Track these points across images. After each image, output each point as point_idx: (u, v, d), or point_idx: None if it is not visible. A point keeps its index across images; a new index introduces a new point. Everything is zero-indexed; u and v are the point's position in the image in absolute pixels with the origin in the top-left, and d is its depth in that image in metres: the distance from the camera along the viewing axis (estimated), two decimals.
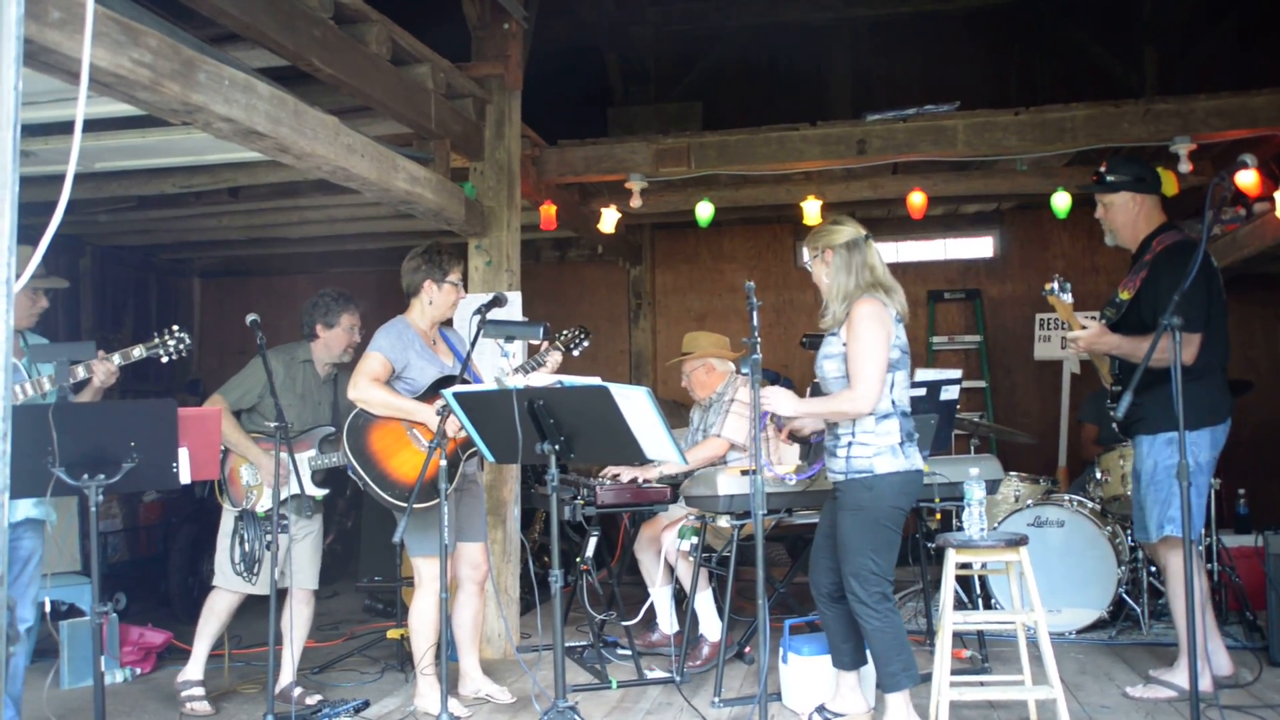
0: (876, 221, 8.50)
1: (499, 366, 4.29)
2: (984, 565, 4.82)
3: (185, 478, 3.68)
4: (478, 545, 4.48)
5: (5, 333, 1.87)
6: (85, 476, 3.30)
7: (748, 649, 5.08)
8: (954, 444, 5.85)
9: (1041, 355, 8.20)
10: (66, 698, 4.86)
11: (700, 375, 5.35)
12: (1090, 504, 5.54)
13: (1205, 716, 3.60)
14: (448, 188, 5.11)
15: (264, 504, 4.56)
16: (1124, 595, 5.42)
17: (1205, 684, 3.88)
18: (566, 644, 4.11)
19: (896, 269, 3.84)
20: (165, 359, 4.14)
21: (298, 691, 4.58)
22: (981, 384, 8.65)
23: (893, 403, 3.64)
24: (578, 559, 4.90)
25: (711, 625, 4.98)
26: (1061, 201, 6.95)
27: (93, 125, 4.38)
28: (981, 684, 4.28)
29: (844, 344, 3.66)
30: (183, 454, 3.58)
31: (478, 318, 4.16)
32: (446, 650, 3.91)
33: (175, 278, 9.51)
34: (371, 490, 4.14)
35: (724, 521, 4.52)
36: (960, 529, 3.99)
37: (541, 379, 3.85)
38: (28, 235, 2.21)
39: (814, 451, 4.23)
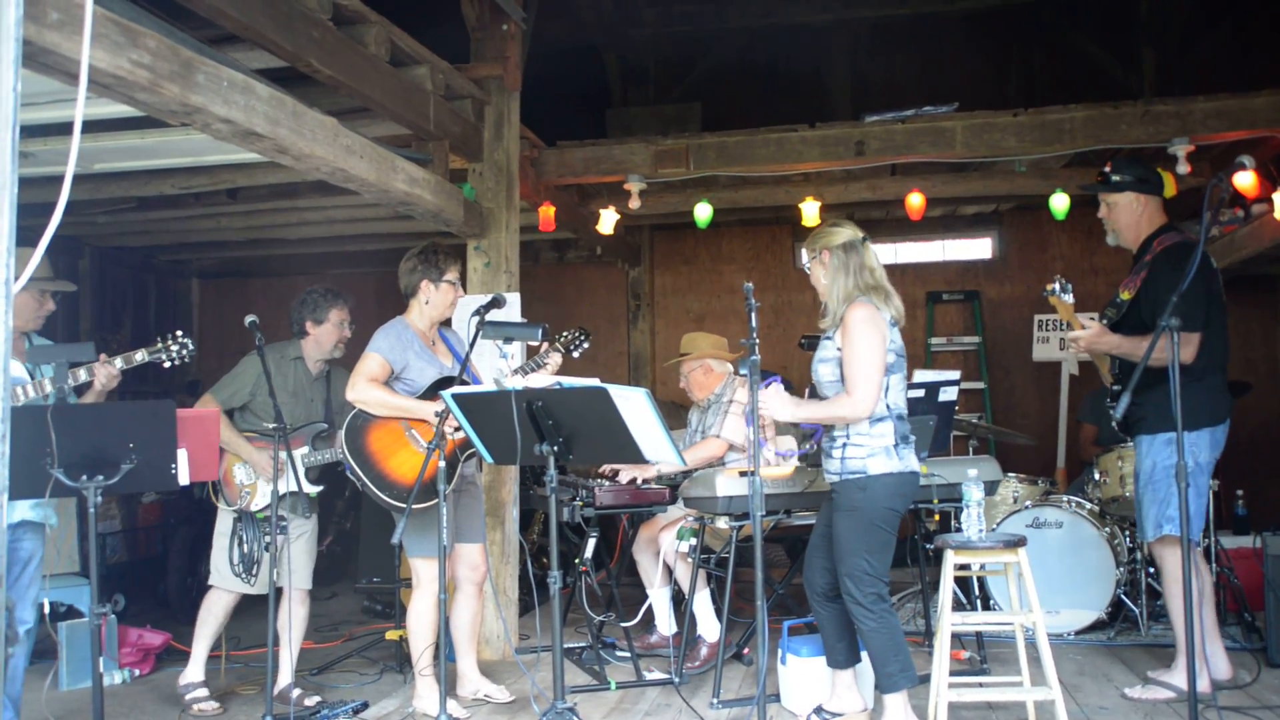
0: (875, 223, 8.52)
1: (498, 367, 4.29)
2: (982, 566, 4.81)
3: (184, 479, 3.68)
4: (476, 546, 4.48)
5: (4, 333, 1.87)
6: (84, 478, 3.31)
7: (746, 650, 5.08)
8: (952, 445, 5.85)
9: (1040, 356, 8.21)
10: (65, 699, 4.86)
11: (699, 376, 5.36)
12: (1089, 505, 5.54)
13: (1203, 717, 3.60)
14: (446, 189, 5.12)
15: (259, 503, 4.56)
16: (1122, 596, 5.43)
17: (1203, 684, 3.88)
18: (565, 645, 4.11)
19: (895, 270, 3.85)
20: (168, 364, 4.14)
21: (296, 693, 4.58)
22: (980, 385, 8.65)
23: (887, 406, 3.65)
24: (576, 560, 4.90)
25: (710, 626, 4.98)
26: (1060, 203, 6.95)
27: (92, 126, 4.38)
28: (980, 685, 4.28)
29: (838, 348, 3.67)
30: (181, 455, 3.58)
31: (476, 319, 4.16)
32: (445, 651, 3.91)
33: (174, 279, 9.51)
34: (369, 491, 4.14)
35: (722, 523, 4.52)
36: (959, 530, 4.00)
37: (540, 380, 3.85)
38: (27, 236, 2.21)
39: (803, 438, 4.23)
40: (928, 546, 4.98)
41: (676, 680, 4.57)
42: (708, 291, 9.41)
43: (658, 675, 4.74)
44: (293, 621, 4.64)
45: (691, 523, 4.75)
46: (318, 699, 4.58)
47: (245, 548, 4.56)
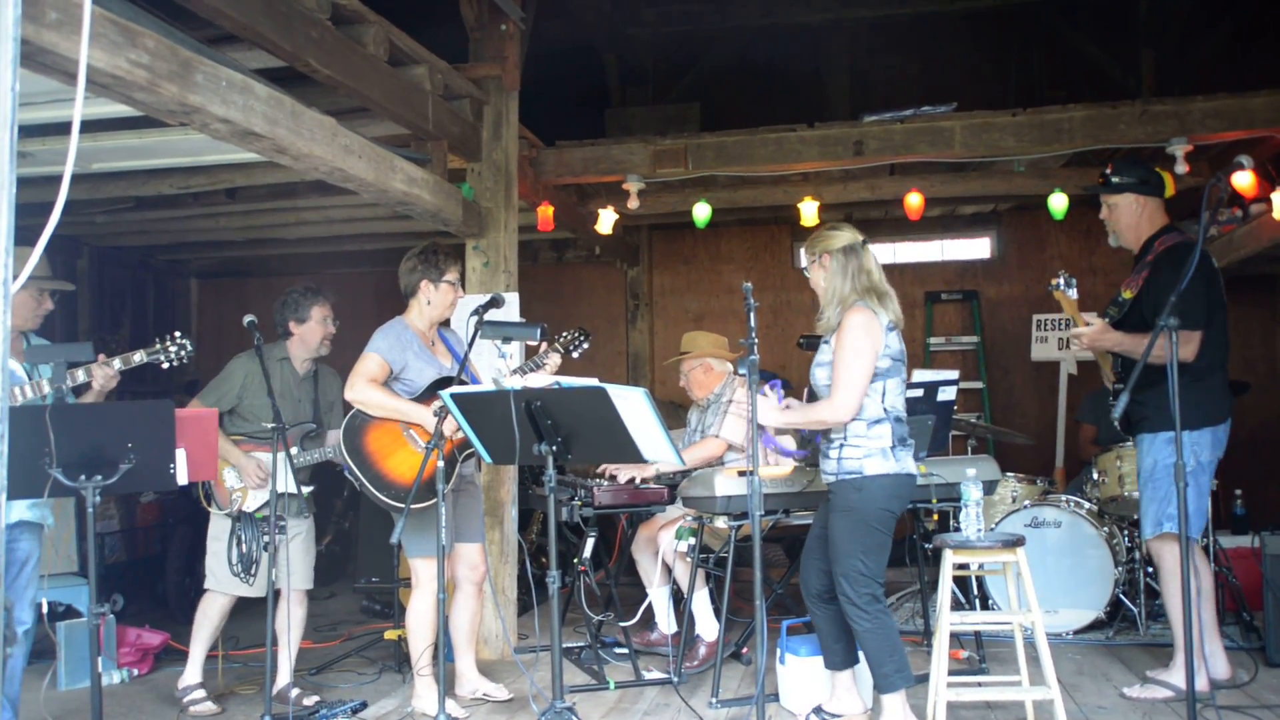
0: (874, 222, 8.52)
1: (496, 367, 4.29)
2: (981, 566, 4.81)
3: (183, 479, 3.68)
4: (475, 546, 4.48)
5: (3, 333, 1.87)
6: (82, 477, 3.30)
7: (745, 650, 5.09)
8: (951, 445, 5.85)
9: (1039, 356, 8.21)
10: (64, 699, 4.86)
11: (698, 375, 5.36)
12: (1087, 504, 5.54)
13: (1202, 717, 3.61)
14: (445, 189, 5.11)
15: (250, 505, 4.55)
16: (1121, 596, 5.43)
17: (1201, 683, 3.89)
18: (564, 645, 4.11)
19: (894, 270, 3.86)
20: (166, 365, 4.14)
21: (295, 692, 4.58)
22: (979, 385, 8.66)
23: (885, 409, 3.65)
24: (575, 560, 4.90)
25: (709, 626, 4.98)
26: (1059, 202, 6.95)
27: (90, 126, 4.38)
28: (979, 684, 4.28)
29: (834, 352, 3.68)
30: (180, 455, 3.58)
31: (475, 318, 4.16)
32: (444, 651, 3.91)
33: (173, 278, 9.51)
34: (368, 491, 4.14)
35: (721, 522, 4.52)
36: (957, 530, 4.00)
37: (539, 380, 3.85)
38: (25, 236, 2.21)
39: (802, 440, 4.24)
40: (926, 546, 4.98)
41: (675, 680, 4.57)
42: (706, 291, 9.41)
43: (656, 675, 4.74)
44: (291, 622, 4.64)
45: (690, 522, 4.75)
46: (316, 699, 4.58)
47: (244, 548, 4.56)
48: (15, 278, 1.93)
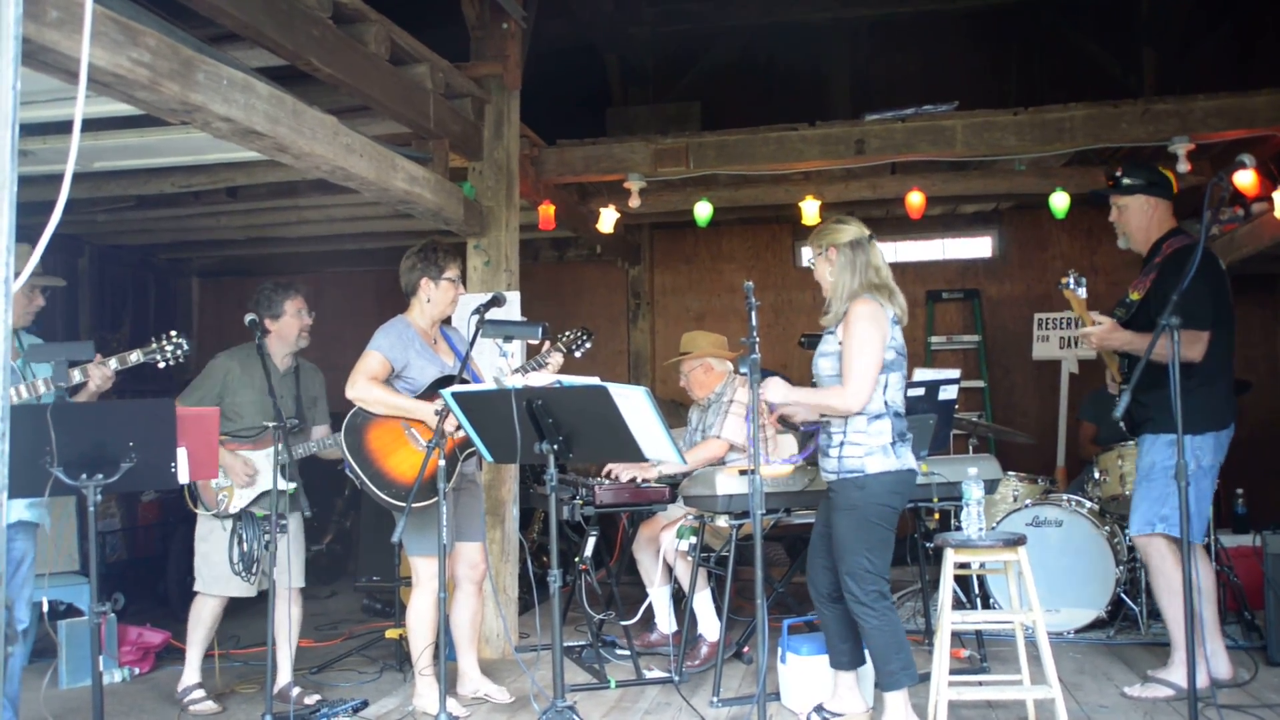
0: (875, 221, 8.45)
1: (498, 366, 4.29)
2: (982, 565, 4.81)
3: (184, 477, 3.68)
4: (476, 545, 4.48)
5: (4, 331, 1.87)
6: (83, 476, 3.30)
7: (746, 649, 5.09)
8: (952, 444, 5.85)
9: (1040, 355, 8.21)
10: (65, 697, 4.86)
11: (699, 375, 5.35)
12: (1088, 504, 5.54)
13: (1203, 716, 3.60)
14: (446, 187, 5.11)
15: (237, 505, 4.54)
16: (1122, 595, 5.43)
17: (1201, 681, 3.89)
18: (565, 644, 4.11)
19: (895, 269, 3.85)
20: (162, 364, 4.13)
21: (296, 691, 4.58)
22: (980, 384, 8.65)
23: (885, 403, 3.65)
24: (576, 559, 4.90)
25: (710, 625, 4.98)
26: (1060, 201, 6.95)
27: (91, 125, 4.38)
28: (980, 683, 4.28)
29: (839, 343, 3.68)
30: (181, 454, 3.58)
31: (476, 317, 4.16)
32: (445, 650, 3.91)
33: (174, 277, 9.51)
34: (368, 489, 4.14)
35: (722, 521, 4.52)
36: (959, 529, 4.00)
37: (540, 379, 3.85)
38: (26, 234, 2.21)
39: (804, 439, 4.23)
40: (928, 545, 4.98)
41: (676, 679, 4.57)
42: (707, 290, 9.41)
43: (657, 674, 4.74)
44: (290, 619, 4.63)
45: (691, 521, 4.75)
46: (317, 698, 4.58)
47: (245, 547, 4.55)
48: (16, 276, 1.93)
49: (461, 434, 3.98)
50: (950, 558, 3.84)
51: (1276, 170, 6.13)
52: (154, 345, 4.10)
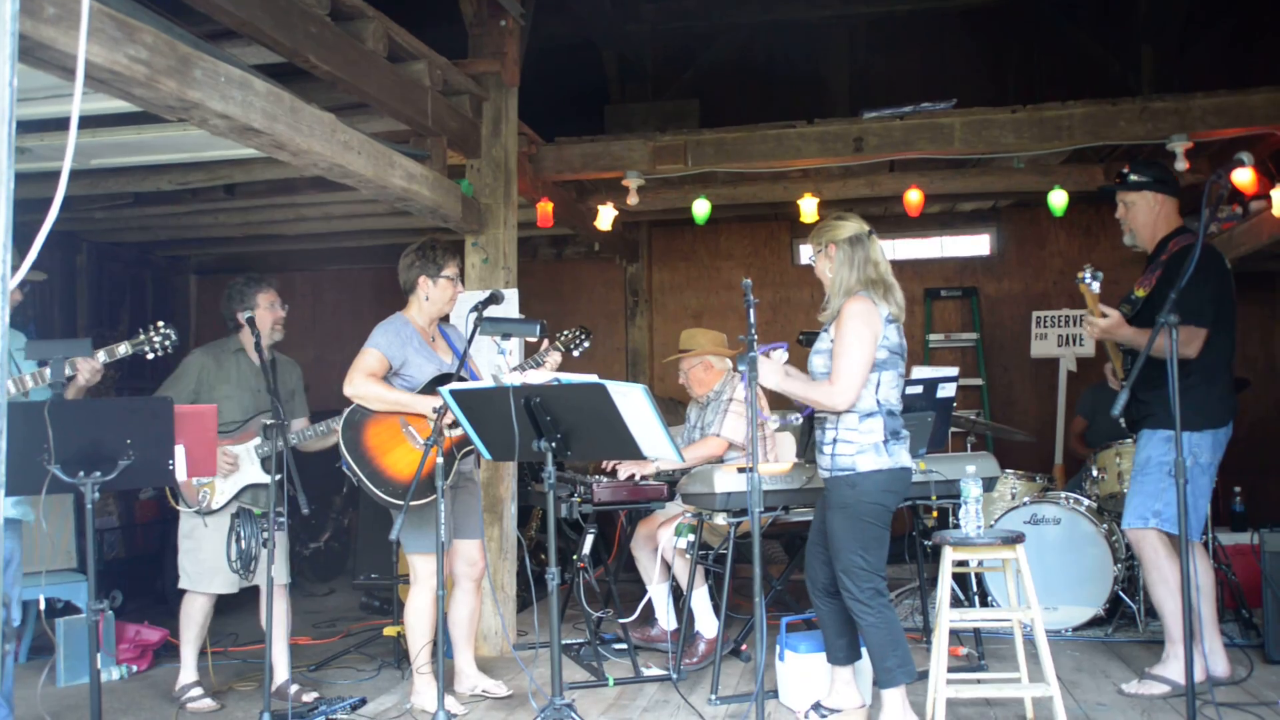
0: (873, 219, 8.35)
1: (496, 364, 4.29)
2: (980, 563, 4.83)
3: (182, 475, 3.68)
4: (474, 542, 4.48)
5: (2, 329, 1.87)
6: (81, 474, 3.30)
7: (744, 646, 5.09)
8: (950, 442, 5.85)
9: (1038, 353, 8.21)
10: (63, 695, 4.86)
11: (698, 373, 5.35)
12: (1086, 501, 5.55)
13: (1201, 713, 3.61)
14: (444, 185, 5.11)
15: (219, 501, 4.53)
16: (1120, 593, 5.43)
17: (1199, 678, 3.89)
18: (563, 641, 4.11)
19: (893, 267, 3.85)
20: (151, 355, 4.12)
21: (294, 689, 4.58)
22: (978, 382, 8.65)
23: (878, 402, 3.65)
24: (574, 556, 4.90)
25: (708, 623, 4.98)
26: (1058, 199, 6.94)
27: (89, 122, 4.38)
28: (978, 681, 4.28)
29: (833, 340, 3.68)
30: (179, 451, 3.58)
31: (474, 315, 4.16)
32: (443, 648, 3.91)
33: (171, 275, 9.49)
34: (365, 487, 4.14)
35: (721, 519, 4.52)
36: (957, 526, 4.00)
37: (538, 376, 3.84)
38: (24, 232, 2.20)
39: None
40: (926, 543, 4.98)
41: (674, 676, 4.57)
42: (706, 288, 9.41)
43: (656, 671, 4.74)
44: (278, 616, 4.63)
45: (690, 519, 4.75)
46: (315, 695, 4.58)
47: (243, 544, 4.54)
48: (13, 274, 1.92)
49: (459, 432, 3.98)
50: (948, 555, 3.84)
51: (1274, 168, 6.13)
52: (142, 337, 4.08)
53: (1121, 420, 4.27)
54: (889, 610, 3.64)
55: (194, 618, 4.64)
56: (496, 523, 5.36)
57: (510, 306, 5.24)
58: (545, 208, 6.70)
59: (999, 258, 9.00)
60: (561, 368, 4.34)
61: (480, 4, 5.60)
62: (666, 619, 5.27)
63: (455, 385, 3.71)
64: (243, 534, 4.56)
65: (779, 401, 4.67)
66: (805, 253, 9.17)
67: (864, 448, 3.62)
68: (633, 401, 3.39)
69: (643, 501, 4.74)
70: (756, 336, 3.55)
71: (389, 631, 5.30)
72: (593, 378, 3.46)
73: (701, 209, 7.19)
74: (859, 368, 3.60)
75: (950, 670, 3.80)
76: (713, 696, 4.31)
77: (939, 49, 9.01)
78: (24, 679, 4.94)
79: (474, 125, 5.59)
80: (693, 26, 9.08)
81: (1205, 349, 4.21)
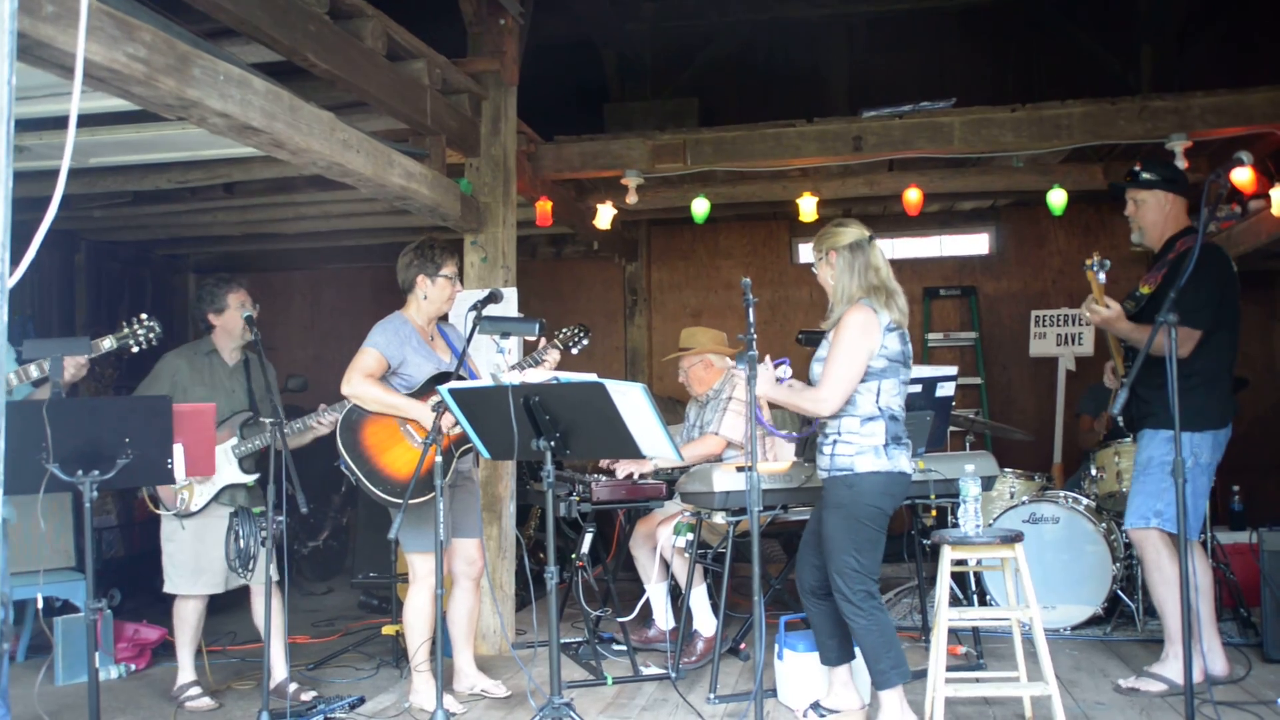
0: (873, 218, 8.50)
1: (495, 363, 4.29)
2: (979, 562, 4.82)
3: (180, 474, 3.68)
4: (473, 541, 4.48)
5: (1, 326, 1.86)
6: (80, 472, 3.29)
7: (743, 645, 5.09)
8: (949, 441, 5.85)
9: (1037, 352, 8.21)
10: (60, 694, 4.85)
11: (698, 371, 5.35)
12: (1085, 500, 5.55)
13: (1200, 712, 3.61)
14: (443, 184, 5.11)
15: (198, 502, 4.51)
16: (1119, 592, 5.43)
17: (1197, 677, 3.90)
18: (562, 640, 4.11)
19: (892, 266, 3.85)
20: (136, 349, 4.11)
21: (293, 687, 4.57)
22: (977, 381, 8.66)
23: (879, 408, 3.65)
24: (573, 555, 4.90)
25: (706, 621, 4.98)
26: (1058, 198, 6.94)
27: (87, 120, 4.37)
28: (977, 680, 4.28)
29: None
30: (177, 450, 3.58)
31: (473, 314, 4.16)
32: (441, 647, 3.91)
33: (170, 273, 9.48)
34: (364, 486, 4.14)
35: (719, 518, 4.52)
36: (955, 525, 4.00)
37: (537, 375, 3.84)
38: (22, 230, 2.20)
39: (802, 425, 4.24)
40: (924, 542, 4.98)
41: (673, 675, 4.57)
42: (705, 287, 9.41)
43: (654, 670, 4.74)
44: (271, 614, 4.63)
45: (688, 518, 4.75)
46: (314, 694, 4.57)
47: (242, 543, 4.54)
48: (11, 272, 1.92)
49: (458, 430, 3.98)
50: (947, 554, 3.84)
51: (1274, 167, 6.13)
52: (126, 330, 4.07)
53: (1120, 419, 4.27)
54: (881, 612, 3.64)
55: (187, 620, 4.64)
56: (495, 521, 5.35)
57: (509, 305, 5.24)
58: (544, 206, 6.70)
59: (998, 257, 9.00)
60: (560, 366, 4.34)
61: (479, 2, 5.60)
62: (665, 618, 5.27)
63: (454, 384, 3.71)
64: (241, 533, 4.55)
65: (782, 419, 4.69)
66: (804, 252, 9.18)
67: (863, 449, 3.62)
68: (632, 400, 3.39)
69: (641, 500, 4.74)
70: (755, 335, 3.55)
71: (388, 630, 5.30)
72: (591, 376, 3.46)
73: (700, 208, 7.19)
74: (846, 378, 3.61)
75: (949, 669, 3.79)
76: (711, 695, 4.32)
77: (938, 48, 9.01)
78: (22, 678, 4.94)
79: (473, 124, 5.59)
80: (692, 25, 9.08)
81: (1207, 350, 4.22)
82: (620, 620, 4.91)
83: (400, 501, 3.91)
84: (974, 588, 5.40)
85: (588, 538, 4.78)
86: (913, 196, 6.97)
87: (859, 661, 3.87)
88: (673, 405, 7.81)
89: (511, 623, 5.49)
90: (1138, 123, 5.88)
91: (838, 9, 8.75)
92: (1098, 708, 4.14)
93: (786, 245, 9.28)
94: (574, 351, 4.62)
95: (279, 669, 4.59)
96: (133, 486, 6.64)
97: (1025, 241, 8.92)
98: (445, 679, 4.17)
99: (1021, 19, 8.72)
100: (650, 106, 8.60)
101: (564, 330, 4.64)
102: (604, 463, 5.07)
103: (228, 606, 4.84)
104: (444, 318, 4.58)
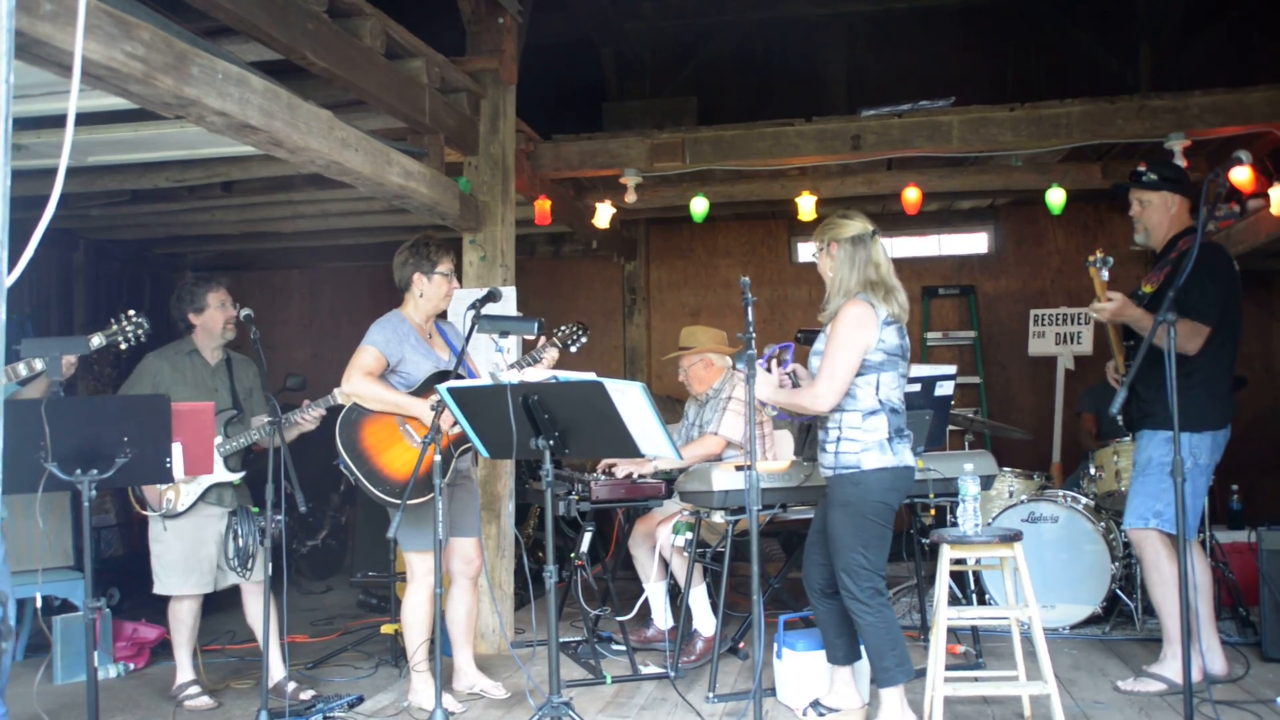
0: (871, 217, 8.47)
1: (494, 361, 4.28)
2: (978, 561, 4.83)
3: (179, 473, 3.67)
4: (471, 540, 4.48)
5: (1, 324, 1.86)
6: (78, 471, 3.29)
7: (742, 644, 5.09)
8: (948, 440, 5.85)
9: (1036, 351, 8.22)
10: (59, 693, 4.85)
11: (698, 370, 5.35)
12: (1084, 500, 5.55)
13: (1198, 711, 3.61)
14: (442, 182, 5.10)
15: (184, 503, 4.50)
16: (1117, 591, 5.43)
17: (1195, 676, 3.90)
18: (561, 639, 4.11)
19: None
20: (125, 345, 4.10)
21: (291, 686, 4.57)
22: (976, 380, 8.66)
23: (880, 402, 3.65)
24: (572, 554, 4.90)
25: (706, 621, 4.98)
26: (1056, 197, 6.95)
27: (85, 119, 4.37)
28: (976, 679, 4.28)
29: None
30: (176, 449, 3.57)
31: (472, 313, 4.15)
32: (440, 646, 3.91)
33: (168, 272, 9.47)
34: (363, 486, 4.13)
35: (718, 517, 4.51)
36: (954, 525, 4.00)
37: (536, 374, 3.84)
38: (20, 229, 2.20)
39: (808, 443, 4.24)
40: (923, 541, 4.98)
41: (672, 674, 4.57)
42: (703, 285, 9.41)
43: (653, 669, 4.74)
44: (259, 614, 4.63)
45: (687, 517, 4.75)
46: (312, 693, 4.57)
47: (240, 542, 4.53)
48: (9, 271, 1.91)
49: (457, 430, 3.98)
50: (946, 554, 3.84)
51: (1272, 167, 6.13)
52: (114, 327, 4.06)
53: (1119, 418, 4.27)
54: (887, 609, 3.64)
55: (183, 620, 4.63)
56: (494, 520, 5.35)
57: (508, 304, 5.24)
58: (543, 205, 6.70)
59: (997, 256, 9.00)
60: (559, 365, 4.33)
61: (478, 1, 5.60)
62: (664, 617, 5.27)
63: (453, 383, 3.71)
64: (240, 532, 4.55)
65: None
66: (803, 251, 9.18)
67: (869, 445, 3.61)
68: (630, 399, 3.39)
69: (641, 499, 4.74)
70: (754, 334, 3.55)
71: (386, 629, 5.30)
72: (590, 375, 3.46)
73: (699, 207, 7.19)
74: (841, 374, 3.61)
75: (948, 668, 3.80)
76: (710, 694, 4.31)
77: (937, 47, 9.00)
78: (21, 677, 4.94)
79: (472, 123, 5.58)
80: (691, 24, 9.08)
81: (1209, 350, 4.22)
82: (619, 619, 4.91)
83: (399, 501, 3.91)
84: (973, 587, 5.40)
85: (587, 537, 4.78)
86: (911, 195, 6.97)
87: (861, 661, 3.87)
88: (671, 404, 7.81)
89: (510, 622, 5.49)
90: (1136, 122, 5.88)
91: (836, 8, 8.75)
92: (1096, 707, 4.14)
93: (785, 244, 9.28)
94: (572, 350, 4.62)
95: (276, 668, 4.59)
96: (131, 485, 6.66)
97: (1024, 240, 8.92)
98: (444, 678, 4.17)
99: (1020, 18, 8.72)
100: (649, 105, 8.59)
101: (562, 328, 4.64)
102: (604, 463, 5.06)
103: (227, 606, 4.84)
104: (443, 316, 4.57)
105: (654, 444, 3.51)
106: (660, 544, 5.03)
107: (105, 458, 3.33)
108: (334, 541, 8.09)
